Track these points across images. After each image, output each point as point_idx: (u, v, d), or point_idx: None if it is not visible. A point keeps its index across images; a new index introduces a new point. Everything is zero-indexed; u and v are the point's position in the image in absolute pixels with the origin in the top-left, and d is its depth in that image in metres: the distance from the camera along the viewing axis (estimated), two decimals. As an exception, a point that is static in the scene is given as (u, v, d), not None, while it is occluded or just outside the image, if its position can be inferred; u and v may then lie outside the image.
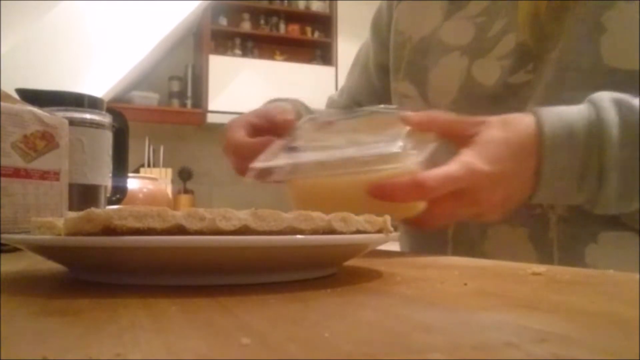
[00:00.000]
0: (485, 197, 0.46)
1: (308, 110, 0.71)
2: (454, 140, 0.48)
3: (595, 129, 0.45)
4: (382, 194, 0.44)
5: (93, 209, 0.24)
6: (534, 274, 0.31)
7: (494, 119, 0.48)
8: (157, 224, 0.24)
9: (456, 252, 0.61)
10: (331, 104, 0.87)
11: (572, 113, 0.47)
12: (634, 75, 0.50)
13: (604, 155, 0.45)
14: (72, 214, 0.25)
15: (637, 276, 0.28)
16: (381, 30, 0.76)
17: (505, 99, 0.57)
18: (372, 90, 0.80)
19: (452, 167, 0.45)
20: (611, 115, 0.45)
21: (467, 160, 0.45)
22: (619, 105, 0.46)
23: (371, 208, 0.35)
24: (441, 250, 0.62)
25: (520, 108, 0.55)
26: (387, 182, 0.44)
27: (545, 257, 0.54)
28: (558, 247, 0.53)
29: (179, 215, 0.24)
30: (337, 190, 0.48)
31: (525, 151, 0.47)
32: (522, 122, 0.47)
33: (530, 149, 0.46)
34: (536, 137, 0.46)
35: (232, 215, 0.25)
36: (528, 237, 0.55)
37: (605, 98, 0.47)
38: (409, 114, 0.49)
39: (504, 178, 0.46)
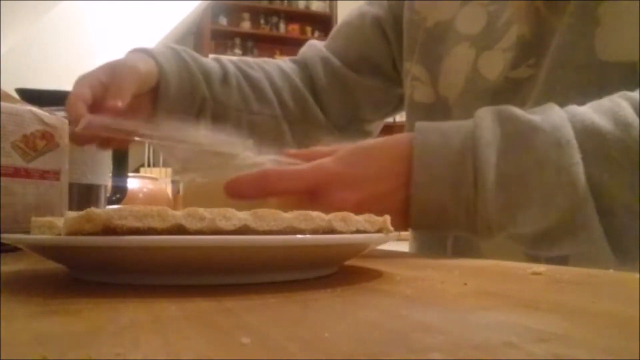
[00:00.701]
0: (339, 197, 0.45)
1: (192, 58, 0.69)
2: None
3: (470, 135, 0.44)
4: (232, 191, 0.44)
5: (93, 209, 0.24)
6: (534, 273, 0.31)
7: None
8: (157, 224, 0.24)
9: (456, 251, 0.61)
10: (310, 49, 0.82)
11: (451, 124, 0.47)
12: (625, 68, 0.50)
13: (478, 160, 0.43)
14: (72, 214, 0.25)
15: (637, 276, 0.28)
16: None
17: (505, 95, 0.57)
18: (364, 52, 0.77)
19: (301, 165, 0.46)
20: (486, 122, 0.44)
21: (318, 161, 0.46)
22: (497, 113, 0.45)
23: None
24: (441, 249, 0.62)
25: (520, 106, 0.55)
26: (236, 178, 0.44)
27: (529, 259, 0.53)
28: None
29: (179, 215, 0.24)
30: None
31: (394, 156, 0.46)
32: (393, 136, 0.48)
33: (401, 155, 0.46)
34: (408, 145, 0.46)
35: (232, 215, 0.25)
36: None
37: (484, 109, 0.46)
38: (290, 151, 0.51)
39: (361, 179, 0.46)
